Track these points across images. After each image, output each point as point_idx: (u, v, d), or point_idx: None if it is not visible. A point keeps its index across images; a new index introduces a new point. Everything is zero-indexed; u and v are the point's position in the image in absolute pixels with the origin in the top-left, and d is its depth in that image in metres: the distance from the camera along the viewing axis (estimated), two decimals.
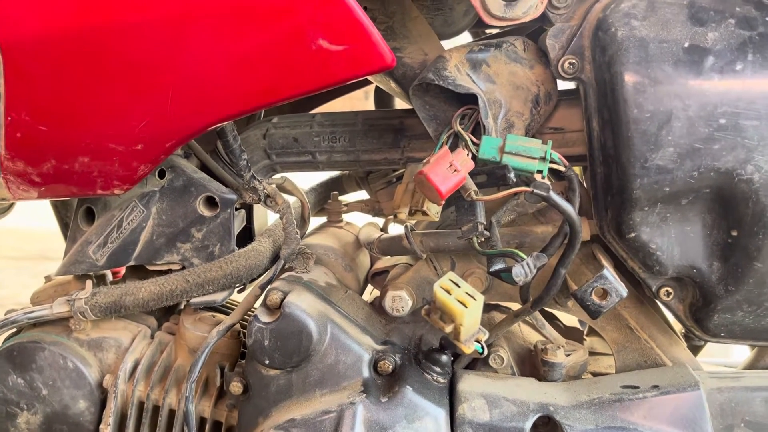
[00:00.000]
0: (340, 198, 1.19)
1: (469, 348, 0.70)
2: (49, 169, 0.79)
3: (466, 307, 0.66)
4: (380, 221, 1.20)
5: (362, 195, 1.23)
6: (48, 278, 1.08)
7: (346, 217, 1.19)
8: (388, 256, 1.05)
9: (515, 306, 0.94)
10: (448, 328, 0.69)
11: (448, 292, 0.68)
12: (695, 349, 1.10)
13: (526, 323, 0.99)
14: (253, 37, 0.70)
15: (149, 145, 0.77)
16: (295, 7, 0.68)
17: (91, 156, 0.78)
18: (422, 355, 0.85)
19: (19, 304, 1.00)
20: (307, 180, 1.18)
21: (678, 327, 0.97)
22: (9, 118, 0.75)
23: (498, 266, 0.76)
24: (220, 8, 0.68)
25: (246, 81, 0.73)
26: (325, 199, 1.19)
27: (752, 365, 0.93)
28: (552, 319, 1.08)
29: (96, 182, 0.81)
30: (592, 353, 1.03)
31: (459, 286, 0.68)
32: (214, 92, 0.74)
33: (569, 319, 1.14)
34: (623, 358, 0.91)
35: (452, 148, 0.78)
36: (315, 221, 1.18)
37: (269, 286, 0.86)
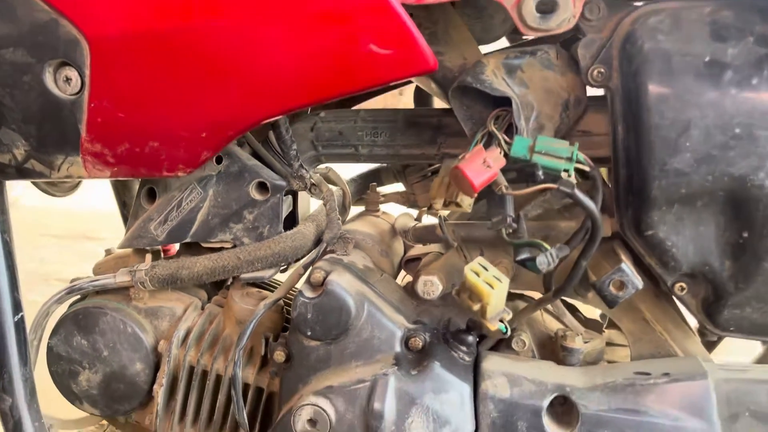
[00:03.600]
0: (378, 189, 1.26)
1: (493, 326, 0.77)
2: (122, 152, 0.88)
3: (493, 288, 0.74)
4: (414, 212, 1.27)
5: (399, 187, 1.30)
6: (108, 251, 1.19)
7: (382, 207, 1.27)
8: (421, 245, 1.13)
9: (538, 296, 1.01)
10: (476, 307, 0.76)
11: (477, 274, 0.75)
12: (710, 345, 1.15)
13: (548, 312, 1.06)
14: (313, 40, 0.78)
15: (213, 134, 0.86)
16: (351, 15, 0.76)
17: (160, 141, 0.87)
18: (450, 335, 0.93)
19: (62, 280, 1.09)
20: (348, 172, 1.26)
21: (693, 324, 1.03)
22: (92, 105, 0.84)
23: (524, 255, 0.83)
24: (287, 14, 0.76)
25: (304, 79, 0.81)
26: (364, 189, 1.27)
27: (762, 360, 0.98)
28: (573, 311, 1.15)
29: (163, 165, 0.90)
30: (609, 344, 1.09)
31: (487, 270, 0.75)
32: (275, 88, 0.82)
33: (591, 312, 1.20)
34: (638, 349, 0.97)
35: (486, 146, 0.85)
36: (354, 210, 1.26)
37: (313, 266, 0.94)
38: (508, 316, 0.77)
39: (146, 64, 0.81)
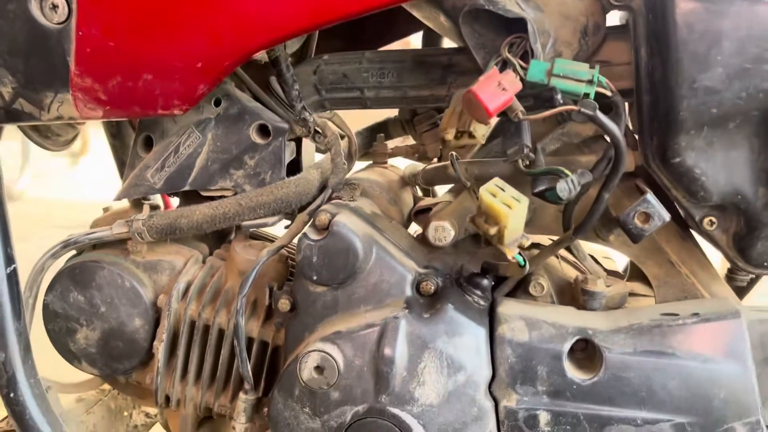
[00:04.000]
0: (386, 142, 1.21)
1: (511, 251, 0.72)
2: (114, 87, 0.84)
3: (511, 208, 0.68)
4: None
5: (407, 140, 1.25)
6: (107, 209, 1.14)
7: (390, 161, 1.22)
8: (431, 197, 1.08)
9: None
10: (492, 230, 0.71)
11: (493, 195, 0.70)
12: (739, 292, 1.09)
13: (565, 261, 1.01)
14: None
15: (209, 64, 0.81)
16: None
17: (154, 73, 0.82)
18: (463, 279, 0.87)
19: None
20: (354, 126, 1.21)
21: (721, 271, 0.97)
22: (80, 33, 0.79)
23: (542, 186, 0.77)
24: None
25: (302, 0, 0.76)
26: (370, 143, 1.22)
27: None
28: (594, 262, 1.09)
29: (157, 101, 0.85)
30: (631, 294, 1.04)
31: (504, 190, 0.70)
32: (270, 11, 0.77)
33: (610, 265, 1.14)
34: (663, 293, 0.91)
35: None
36: (360, 166, 1.21)
37: (318, 209, 0.89)
38: (527, 242, 0.72)
39: None
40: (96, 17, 0.79)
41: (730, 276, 1.05)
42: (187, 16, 0.78)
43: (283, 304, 0.90)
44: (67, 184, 5.33)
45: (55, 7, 0.79)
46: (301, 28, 0.78)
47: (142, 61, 0.81)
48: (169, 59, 0.81)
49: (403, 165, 1.24)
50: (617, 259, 1.23)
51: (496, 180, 0.71)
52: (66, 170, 5.72)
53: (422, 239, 0.95)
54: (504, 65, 0.82)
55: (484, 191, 0.70)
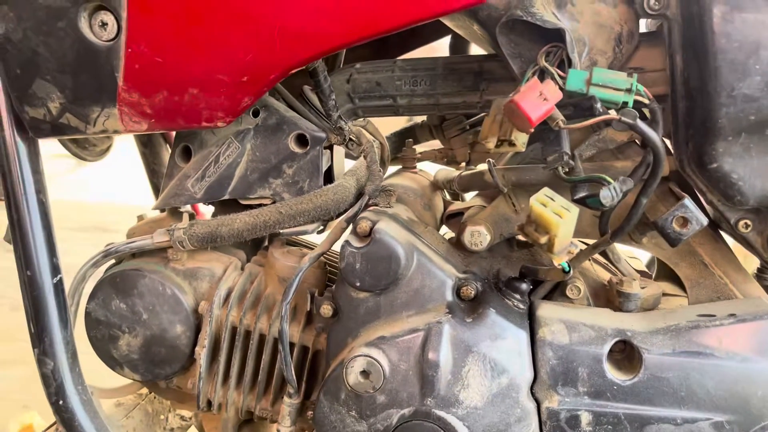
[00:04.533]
0: (414, 147, 1.23)
1: (561, 259, 0.74)
2: (160, 101, 0.85)
3: (562, 218, 0.70)
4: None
5: (434, 145, 1.27)
6: (141, 217, 1.16)
7: (419, 165, 1.24)
8: (461, 201, 1.09)
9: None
10: (543, 239, 0.73)
11: (544, 205, 0.72)
12: None
13: (597, 263, 1.03)
14: None
15: (254, 78, 0.83)
16: None
17: (200, 87, 0.84)
18: (502, 283, 0.89)
19: None
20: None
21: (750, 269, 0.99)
22: (129, 50, 0.81)
23: (583, 193, 0.79)
24: None
25: (345, 15, 0.78)
26: (399, 147, 1.24)
27: None
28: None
29: (202, 114, 0.87)
30: (663, 294, 1.06)
31: (554, 200, 0.72)
32: (315, 26, 0.79)
33: (637, 265, 1.16)
34: (696, 294, 0.93)
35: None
36: (389, 171, 1.23)
37: (359, 216, 0.91)
38: (576, 250, 0.74)
39: (184, 3, 0.78)
40: (145, 34, 0.80)
41: (760, 275, 1.07)
42: (234, 31, 0.80)
43: (326, 309, 0.92)
44: (75, 185, 5.35)
45: (104, 24, 0.81)
46: (346, 42, 0.80)
47: (188, 76, 0.83)
48: (215, 74, 0.82)
49: (429, 169, 1.26)
50: (642, 258, 1.25)
51: (546, 190, 0.73)
52: (73, 172, 5.75)
53: (457, 244, 0.97)
54: (541, 74, 0.83)
55: (535, 201, 0.72)
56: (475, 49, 1.16)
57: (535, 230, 0.74)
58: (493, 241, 0.95)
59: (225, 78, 0.83)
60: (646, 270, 1.13)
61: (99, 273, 1.06)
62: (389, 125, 1.27)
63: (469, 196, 1.22)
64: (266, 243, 1.15)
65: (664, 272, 1.13)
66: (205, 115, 0.87)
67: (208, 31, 0.80)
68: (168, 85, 0.84)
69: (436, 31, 1.24)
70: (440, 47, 1.31)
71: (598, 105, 0.78)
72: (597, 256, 1.06)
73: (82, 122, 0.89)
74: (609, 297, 0.95)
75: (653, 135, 0.76)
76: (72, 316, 1.04)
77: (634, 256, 1.19)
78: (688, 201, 0.81)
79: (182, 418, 1.28)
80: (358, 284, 0.88)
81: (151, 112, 0.87)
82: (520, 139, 0.80)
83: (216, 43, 0.80)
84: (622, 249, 1.16)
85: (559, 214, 0.71)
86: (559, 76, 0.81)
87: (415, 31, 1.28)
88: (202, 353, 1.00)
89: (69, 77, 0.85)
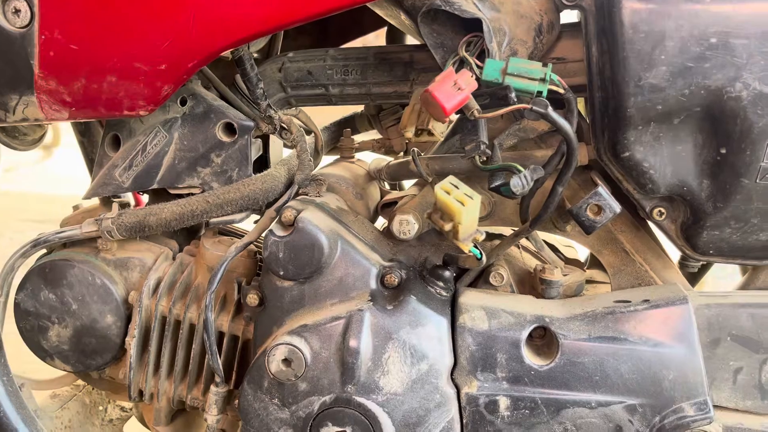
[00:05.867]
0: (353, 137, 1.23)
1: (466, 246, 0.75)
2: (79, 89, 0.85)
3: (464, 205, 0.71)
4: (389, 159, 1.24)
5: (374, 135, 1.27)
6: (76, 207, 1.15)
7: (357, 156, 1.24)
8: (397, 190, 1.10)
9: None
10: (447, 227, 0.74)
11: (447, 193, 0.73)
12: (692, 278, 1.14)
13: (526, 251, 1.04)
14: None
15: (173, 65, 0.82)
16: None
17: (118, 75, 0.83)
18: (426, 271, 0.90)
19: None
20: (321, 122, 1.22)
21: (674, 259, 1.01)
22: (43, 37, 0.80)
23: (498, 182, 0.80)
24: None
25: (263, 1, 0.78)
26: (337, 137, 1.24)
27: (744, 287, 0.97)
28: (554, 251, 1.13)
29: (123, 103, 0.86)
30: (590, 281, 1.08)
31: (458, 188, 0.73)
32: (233, 12, 0.78)
33: (571, 253, 1.18)
34: (619, 281, 0.95)
35: (457, 72, 0.82)
36: (327, 161, 1.23)
37: (284, 205, 0.91)
38: (481, 237, 0.75)
39: None
40: (58, 21, 0.79)
41: (683, 263, 1.09)
42: (149, 18, 0.79)
43: (252, 298, 0.92)
44: (39, 177, 5.26)
45: (17, 11, 0.80)
46: (265, 29, 0.80)
47: (105, 63, 0.82)
48: (132, 61, 0.82)
49: (369, 159, 1.26)
50: (580, 248, 1.27)
51: (451, 178, 0.74)
52: (38, 163, 5.65)
53: (387, 233, 0.98)
54: (461, 64, 0.84)
55: (439, 189, 0.73)
56: (412, 40, 1.17)
57: (440, 218, 0.74)
58: (422, 229, 0.96)
59: (142, 66, 0.82)
60: (579, 259, 1.15)
61: (29, 264, 1.05)
62: (331, 115, 1.27)
63: (408, 185, 1.22)
64: (201, 232, 1.15)
65: (597, 260, 1.15)
66: (126, 103, 0.86)
67: (122, 17, 0.79)
68: (85, 72, 0.83)
69: (376, 21, 1.25)
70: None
71: (513, 94, 0.78)
72: (528, 244, 1.08)
73: (1, 110, 0.88)
74: (533, 284, 0.96)
75: (565, 124, 0.77)
76: (1, 308, 1.03)
77: (569, 244, 1.21)
78: (601, 189, 0.83)
79: (122, 409, 1.28)
80: (281, 273, 0.88)
81: (71, 100, 0.86)
82: (438, 128, 0.81)
83: (131, 30, 0.80)
84: (559, 238, 1.18)
85: (461, 202, 0.71)
86: (477, 66, 0.82)
87: (355, 22, 1.28)
88: (132, 343, 1.00)
89: None
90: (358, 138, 1.26)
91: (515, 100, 0.79)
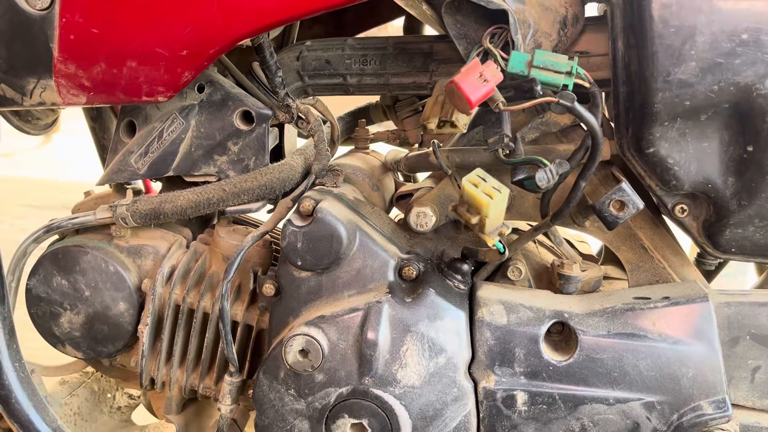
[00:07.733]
0: (367, 128, 1.22)
1: (492, 239, 0.74)
2: (98, 73, 0.84)
3: (492, 198, 0.71)
4: (405, 151, 1.23)
5: (388, 126, 1.26)
6: (88, 193, 1.14)
7: (372, 146, 1.23)
8: (412, 182, 1.09)
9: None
10: (474, 220, 0.73)
11: (475, 185, 0.72)
12: (707, 275, 1.14)
13: (543, 246, 1.04)
14: None
15: (194, 51, 0.81)
16: None
17: (138, 60, 0.82)
18: (444, 264, 0.90)
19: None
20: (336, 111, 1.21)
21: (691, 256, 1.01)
22: (63, 20, 0.79)
23: (521, 175, 0.80)
24: None
25: None
26: (352, 128, 1.23)
27: (762, 286, 0.97)
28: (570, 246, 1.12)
29: (141, 88, 0.85)
30: (606, 278, 1.07)
31: (486, 181, 0.72)
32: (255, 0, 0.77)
33: (585, 249, 1.18)
34: (636, 278, 0.95)
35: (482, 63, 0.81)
36: (342, 151, 1.22)
37: (302, 195, 0.91)
38: (507, 231, 0.74)
39: None
40: (79, 4, 0.78)
41: (700, 260, 1.09)
42: (172, 2, 0.78)
43: (268, 288, 0.91)
44: (39, 162, 5.24)
45: None
46: (290, 17, 0.79)
47: (126, 48, 0.81)
48: (153, 47, 0.81)
49: (383, 150, 1.25)
50: (592, 242, 1.26)
51: (478, 171, 0.73)
52: (37, 148, 5.63)
53: (404, 225, 0.97)
54: (485, 56, 0.83)
55: (466, 182, 0.72)
56: (429, 30, 1.16)
57: (467, 210, 0.74)
58: (439, 222, 0.95)
59: (164, 51, 0.81)
60: (594, 255, 1.15)
61: (42, 249, 1.04)
62: (344, 105, 1.26)
63: (422, 177, 1.22)
64: (214, 220, 1.14)
65: (611, 256, 1.14)
66: (145, 89, 0.85)
67: (145, 2, 0.78)
68: (105, 56, 0.82)
69: (393, 10, 1.23)
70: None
71: (538, 87, 0.78)
72: (544, 239, 1.07)
73: (18, 94, 0.86)
74: (551, 279, 0.96)
75: (591, 118, 0.77)
76: (13, 293, 1.02)
77: (582, 239, 1.20)
78: (625, 185, 0.82)
79: (130, 396, 1.27)
80: (299, 263, 0.88)
81: (90, 85, 0.85)
82: (462, 120, 0.80)
83: (153, 15, 0.79)
84: (572, 233, 1.17)
85: (489, 195, 0.71)
86: (502, 57, 0.81)
87: (371, 11, 1.27)
88: (144, 331, 0.99)
89: (3, 47, 0.82)
90: (372, 129, 1.25)
91: (541, 93, 0.78)
